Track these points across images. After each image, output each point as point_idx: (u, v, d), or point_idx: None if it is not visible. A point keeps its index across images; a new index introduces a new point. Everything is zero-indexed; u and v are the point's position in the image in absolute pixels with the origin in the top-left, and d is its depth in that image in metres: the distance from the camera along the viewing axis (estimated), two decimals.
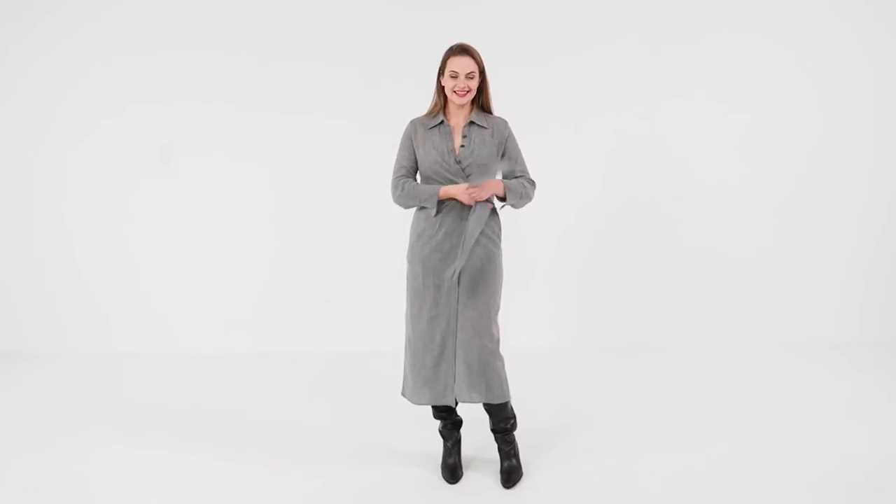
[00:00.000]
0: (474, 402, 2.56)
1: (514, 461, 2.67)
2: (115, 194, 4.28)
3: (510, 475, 2.64)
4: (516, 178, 2.65)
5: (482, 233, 2.58)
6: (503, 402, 2.59)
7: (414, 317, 2.62)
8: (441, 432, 2.75)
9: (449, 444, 2.74)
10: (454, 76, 2.54)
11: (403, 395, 2.70)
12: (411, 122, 2.70)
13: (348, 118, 4.23)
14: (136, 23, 4.16)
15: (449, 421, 2.73)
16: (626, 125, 4.26)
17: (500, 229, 2.65)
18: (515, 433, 2.73)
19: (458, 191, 2.52)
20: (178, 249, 4.31)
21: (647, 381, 3.71)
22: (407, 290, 2.67)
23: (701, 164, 4.30)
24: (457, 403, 2.62)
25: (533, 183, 2.68)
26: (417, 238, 2.62)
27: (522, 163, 2.70)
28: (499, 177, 2.65)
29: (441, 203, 2.57)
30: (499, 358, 2.61)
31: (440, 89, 2.64)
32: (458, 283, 2.57)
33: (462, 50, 2.55)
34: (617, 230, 4.34)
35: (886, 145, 4.30)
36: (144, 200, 4.29)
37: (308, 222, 4.31)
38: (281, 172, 4.29)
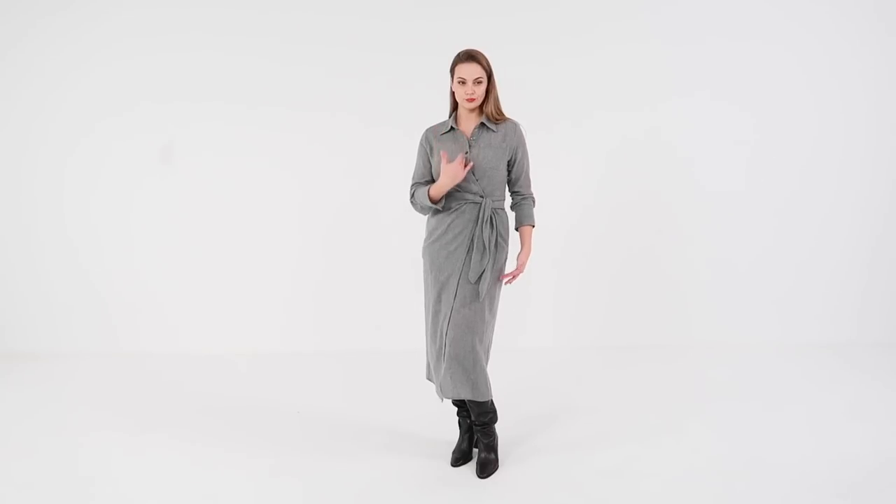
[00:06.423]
0: (459, 398, 2.65)
1: (491, 454, 2.74)
2: (120, 193, 4.28)
3: (484, 467, 2.70)
4: (522, 197, 2.77)
5: (499, 233, 2.67)
6: (485, 400, 2.66)
7: (425, 309, 2.76)
8: (458, 419, 2.88)
9: (462, 431, 2.85)
10: (462, 83, 2.60)
11: (428, 378, 2.83)
12: (425, 132, 2.76)
13: (357, 116, 4.23)
14: (139, 21, 4.16)
15: (464, 409, 2.83)
16: (629, 126, 4.27)
17: (508, 229, 2.73)
18: (497, 426, 2.83)
19: (448, 175, 2.54)
20: (183, 249, 4.31)
21: (647, 380, 3.72)
22: (423, 282, 2.79)
23: (701, 166, 4.31)
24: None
25: (534, 202, 2.80)
26: (429, 234, 2.73)
27: (528, 177, 2.78)
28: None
29: (454, 202, 2.63)
30: (486, 357, 2.70)
31: (453, 95, 2.70)
32: (458, 283, 2.63)
33: (468, 56, 2.59)
34: (617, 230, 4.35)
35: (885, 146, 4.31)
36: (150, 200, 4.29)
37: (315, 221, 4.30)
38: (287, 170, 4.28)
